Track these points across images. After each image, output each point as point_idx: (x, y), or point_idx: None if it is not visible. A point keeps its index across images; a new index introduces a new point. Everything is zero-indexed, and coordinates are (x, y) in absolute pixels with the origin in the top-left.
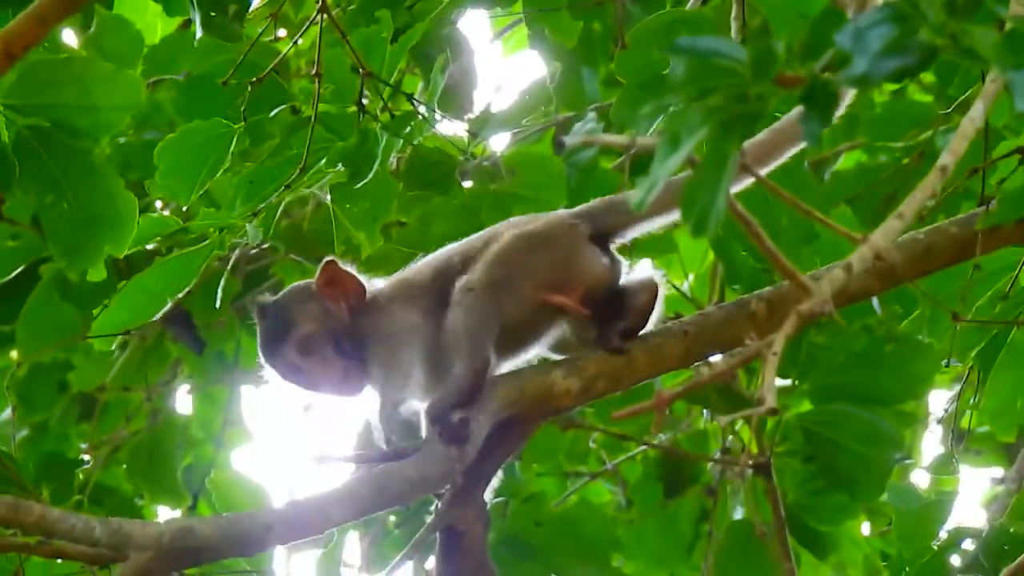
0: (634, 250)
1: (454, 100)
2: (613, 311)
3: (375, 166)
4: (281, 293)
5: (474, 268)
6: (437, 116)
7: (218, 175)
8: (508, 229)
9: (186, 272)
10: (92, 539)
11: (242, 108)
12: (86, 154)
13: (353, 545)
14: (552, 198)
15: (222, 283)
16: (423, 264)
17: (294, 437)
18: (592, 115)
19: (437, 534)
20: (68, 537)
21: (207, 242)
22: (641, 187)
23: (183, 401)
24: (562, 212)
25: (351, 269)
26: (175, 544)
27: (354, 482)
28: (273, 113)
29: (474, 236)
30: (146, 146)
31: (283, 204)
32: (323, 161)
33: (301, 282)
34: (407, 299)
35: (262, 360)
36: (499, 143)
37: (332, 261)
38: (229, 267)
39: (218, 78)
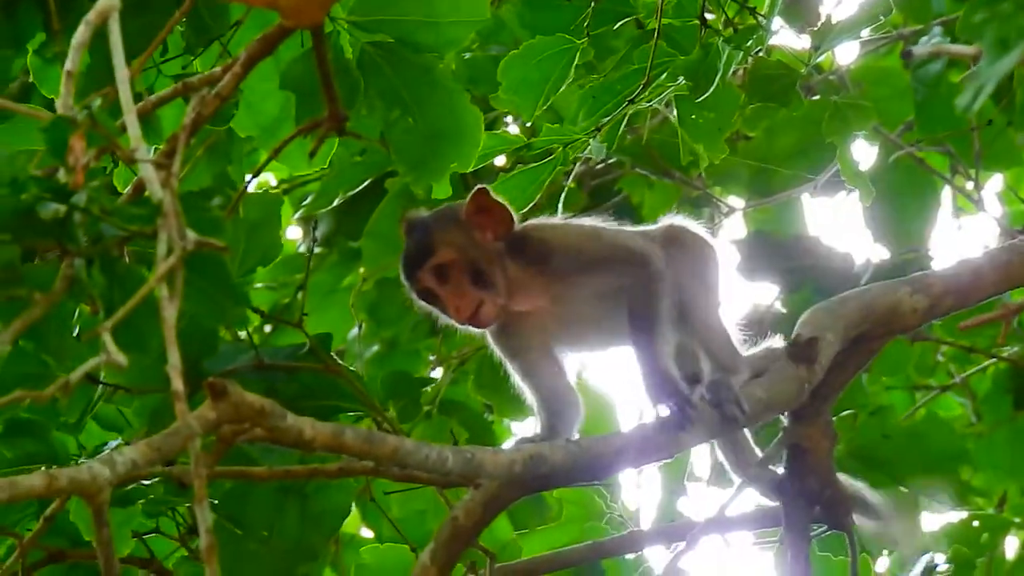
0: (983, 163)
1: (800, 14)
2: None
3: (716, 79)
4: (432, 212)
5: None
6: (778, 28)
7: (561, 90)
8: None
9: (531, 186)
10: (445, 470)
11: (585, 23)
12: (430, 70)
13: (701, 458)
14: (897, 111)
15: (563, 197)
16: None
17: None
18: (938, 29)
19: (784, 451)
20: (422, 468)
21: (551, 157)
22: (968, 90)
23: None
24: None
25: (502, 200)
26: (526, 472)
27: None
28: (617, 26)
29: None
30: (491, 61)
31: (626, 118)
32: (665, 75)
33: (453, 204)
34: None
35: (402, 277)
36: (845, 57)
37: (483, 189)
38: (571, 181)
39: None
